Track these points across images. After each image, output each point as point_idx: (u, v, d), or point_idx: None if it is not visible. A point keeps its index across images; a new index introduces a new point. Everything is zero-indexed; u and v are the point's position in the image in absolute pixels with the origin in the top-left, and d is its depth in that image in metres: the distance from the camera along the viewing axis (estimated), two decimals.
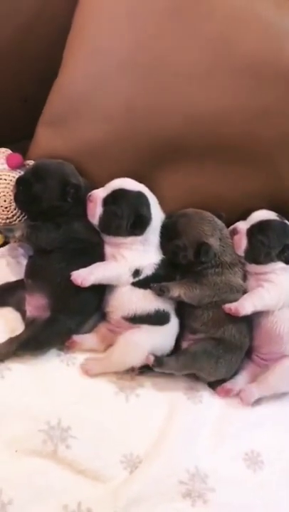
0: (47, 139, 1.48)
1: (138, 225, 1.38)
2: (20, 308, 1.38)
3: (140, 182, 1.42)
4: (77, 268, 1.34)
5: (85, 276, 1.33)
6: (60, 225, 1.39)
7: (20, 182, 1.40)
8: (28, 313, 1.36)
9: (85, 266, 1.35)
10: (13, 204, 1.43)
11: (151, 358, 1.36)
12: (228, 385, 1.43)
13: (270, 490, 1.31)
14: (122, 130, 1.44)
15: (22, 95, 1.59)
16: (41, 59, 1.53)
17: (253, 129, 1.44)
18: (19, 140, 1.52)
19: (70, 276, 1.32)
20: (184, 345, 1.44)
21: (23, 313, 1.38)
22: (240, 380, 1.45)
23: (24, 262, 1.43)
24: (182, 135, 1.45)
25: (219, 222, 1.46)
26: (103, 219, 1.39)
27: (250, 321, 1.45)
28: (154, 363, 1.35)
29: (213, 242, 1.42)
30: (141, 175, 1.44)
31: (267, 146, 1.47)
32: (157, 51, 1.40)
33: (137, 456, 1.26)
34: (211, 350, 1.40)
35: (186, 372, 1.40)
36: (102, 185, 1.41)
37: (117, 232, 1.39)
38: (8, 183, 1.43)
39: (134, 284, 1.39)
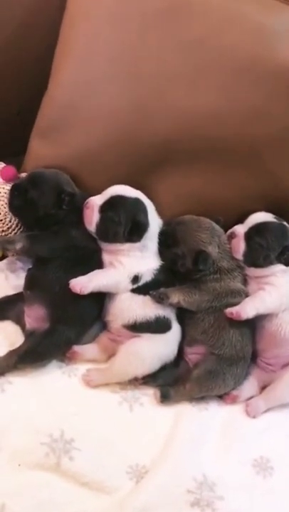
0: (40, 150, 1.48)
1: (135, 231, 1.38)
2: (20, 322, 1.38)
3: (135, 187, 1.42)
4: (75, 276, 1.33)
5: (84, 283, 1.32)
6: (58, 233, 1.39)
7: (15, 188, 1.41)
8: (28, 326, 1.35)
9: (82, 274, 1.34)
10: (8, 216, 1.43)
11: (157, 394, 1.35)
12: (234, 392, 1.42)
13: (281, 496, 1.29)
14: (114, 137, 1.44)
15: (15, 109, 1.60)
16: (33, 72, 1.53)
17: (244, 129, 1.44)
18: (15, 155, 1.52)
19: (68, 285, 1.31)
20: (183, 364, 1.43)
21: (23, 326, 1.37)
22: (247, 387, 1.43)
23: (23, 275, 1.42)
24: (174, 139, 1.45)
25: (217, 228, 1.46)
26: (100, 226, 1.39)
27: (252, 328, 1.43)
28: (161, 399, 1.35)
29: (212, 249, 1.41)
30: (135, 181, 1.44)
31: (259, 146, 1.46)
32: (144, 56, 1.40)
33: (143, 466, 1.24)
34: (215, 368, 1.38)
35: (197, 396, 1.39)
36: (97, 195, 1.41)
37: (115, 239, 1.39)
38: (3, 196, 1.44)
39: (133, 290, 1.38)
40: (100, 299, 1.39)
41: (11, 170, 1.47)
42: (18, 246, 1.37)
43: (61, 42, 1.44)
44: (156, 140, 1.45)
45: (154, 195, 1.46)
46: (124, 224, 1.37)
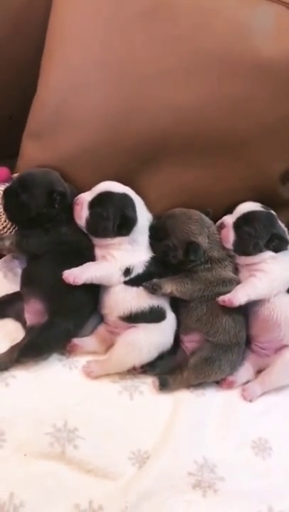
0: (32, 151, 1.51)
1: (124, 225, 1.41)
2: (20, 319, 1.41)
3: (126, 185, 1.46)
4: (67, 269, 1.36)
5: (77, 274, 1.36)
6: (49, 230, 1.42)
7: (7, 192, 1.43)
8: (28, 322, 1.39)
9: (74, 266, 1.37)
10: (3, 216, 1.46)
11: (156, 383, 1.39)
12: (230, 377, 1.45)
13: (281, 476, 1.32)
14: (103, 136, 1.47)
15: (6, 113, 1.62)
16: (23, 75, 1.54)
17: (230, 123, 1.47)
18: (9, 158, 1.55)
19: (61, 277, 1.34)
20: (180, 352, 1.46)
21: (23, 323, 1.40)
22: (242, 372, 1.47)
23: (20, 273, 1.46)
24: (162, 135, 1.48)
25: (206, 219, 1.49)
26: (90, 221, 1.42)
27: (245, 314, 1.47)
28: (160, 387, 1.38)
29: (202, 240, 1.45)
30: (126, 178, 1.47)
31: (246, 138, 1.49)
32: (129, 55, 1.43)
33: (145, 451, 1.28)
34: (211, 355, 1.42)
35: (194, 383, 1.42)
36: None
37: (105, 234, 1.42)
38: None
39: (126, 282, 1.41)
40: (95, 291, 1.42)
41: (4, 171, 1.50)
42: (7, 243, 1.41)
43: (48, 44, 1.46)
44: (146, 137, 1.48)
45: (145, 191, 1.50)
46: (113, 219, 1.41)
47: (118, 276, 1.41)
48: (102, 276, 1.40)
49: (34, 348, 1.34)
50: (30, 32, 1.53)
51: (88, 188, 1.46)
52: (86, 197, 1.43)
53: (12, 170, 1.54)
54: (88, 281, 1.37)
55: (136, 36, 1.42)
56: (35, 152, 1.50)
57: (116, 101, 1.45)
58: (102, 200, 1.42)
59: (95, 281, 1.39)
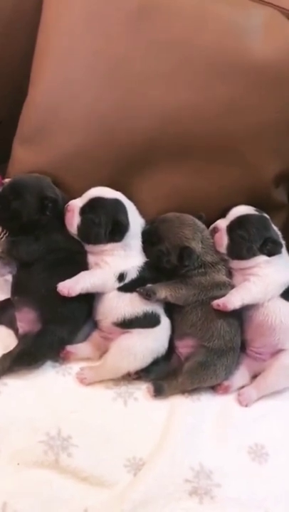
0: (23, 156, 1.50)
1: (116, 231, 1.41)
2: (12, 326, 1.39)
3: (118, 189, 1.45)
4: (60, 277, 1.36)
5: (71, 285, 1.35)
6: (40, 237, 1.41)
7: None
8: (21, 330, 1.37)
9: (66, 274, 1.37)
10: None
11: (151, 389, 1.38)
12: (226, 382, 1.44)
13: (278, 481, 1.31)
14: (95, 139, 1.47)
15: None
16: (13, 79, 1.55)
17: (222, 124, 1.47)
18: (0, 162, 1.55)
19: (53, 286, 1.34)
20: (175, 357, 1.45)
21: (16, 330, 1.39)
22: (238, 376, 1.46)
23: None
24: (155, 138, 1.47)
25: (199, 223, 1.49)
26: (81, 228, 1.41)
27: (240, 318, 1.46)
28: (154, 393, 1.37)
29: (195, 245, 1.44)
30: (118, 182, 1.47)
31: (238, 140, 1.49)
32: (120, 56, 1.43)
33: (140, 458, 1.27)
34: (206, 360, 1.41)
35: (190, 388, 1.41)
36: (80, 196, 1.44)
37: (97, 240, 1.41)
38: None
39: (119, 288, 1.40)
40: (89, 298, 1.41)
41: None
42: None
43: (39, 47, 1.46)
44: (138, 140, 1.47)
45: (138, 195, 1.49)
46: (105, 225, 1.40)
47: (112, 283, 1.40)
48: (97, 284, 1.39)
49: (27, 357, 1.32)
50: (19, 36, 1.53)
51: (81, 194, 1.45)
52: (77, 203, 1.43)
53: (3, 176, 1.52)
54: (84, 291, 1.36)
55: (126, 38, 1.42)
56: (25, 156, 1.50)
57: (107, 103, 1.45)
58: (94, 206, 1.41)
59: (90, 290, 1.38)
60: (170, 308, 1.44)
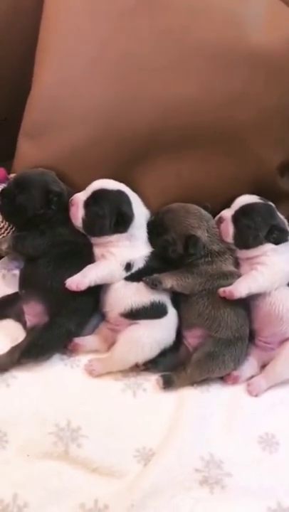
0: (28, 152, 1.51)
1: (121, 222, 1.41)
2: (20, 320, 1.40)
3: (123, 181, 1.45)
4: (66, 270, 1.37)
5: (80, 280, 1.35)
6: (45, 231, 1.42)
7: (3, 194, 1.43)
8: (28, 323, 1.38)
9: (72, 267, 1.37)
10: (0, 217, 1.46)
11: (160, 381, 1.37)
12: (235, 372, 1.44)
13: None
14: (99, 132, 1.47)
15: (1, 115, 1.62)
16: (16, 75, 1.55)
17: (224, 114, 1.47)
18: (4, 159, 1.55)
19: (60, 279, 1.35)
20: (183, 348, 1.45)
21: (24, 323, 1.40)
22: (247, 366, 1.45)
23: None
24: (158, 130, 1.48)
25: (205, 213, 1.49)
26: (86, 221, 1.42)
27: (247, 308, 1.45)
28: (164, 385, 1.37)
29: (201, 233, 1.44)
30: (123, 174, 1.47)
31: (240, 130, 1.49)
32: (122, 49, 1.43)
33: (150, 449, 1.26)
34: (214, 350, 1.40)
35: (199, 379, 1.41)
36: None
37: (102, 232, 1.42)
38: None
39: (126, 278, 1.41)
40: (96, 289, 1.41)
41: (1, 172, 1.50)
42: (4, 247, 1.41)
43: (41, 42, 1.47)
44: (141, 132, 1.48)
45: (142, 187, 1.50)
46: (109, 216, 1.41)
47: (120, 272, 1.40)
48: (104, 275, 1.39)
49: (35, 349, 1.33)
50: (22, 32, 1.53)
51: (85, 187, 1.45)
52: (81, 197, 1.43)
53: (9, 172, 1.53)
54: (92, 284, 1.36)
55: (127, 31, 1.43)
56: (30, 152, 1.50)
57: (110, 96, 1.46)
58: (97, 198, 1.42)
59: (98, 283, 1.38)
60: (177, 300, 1.44)
